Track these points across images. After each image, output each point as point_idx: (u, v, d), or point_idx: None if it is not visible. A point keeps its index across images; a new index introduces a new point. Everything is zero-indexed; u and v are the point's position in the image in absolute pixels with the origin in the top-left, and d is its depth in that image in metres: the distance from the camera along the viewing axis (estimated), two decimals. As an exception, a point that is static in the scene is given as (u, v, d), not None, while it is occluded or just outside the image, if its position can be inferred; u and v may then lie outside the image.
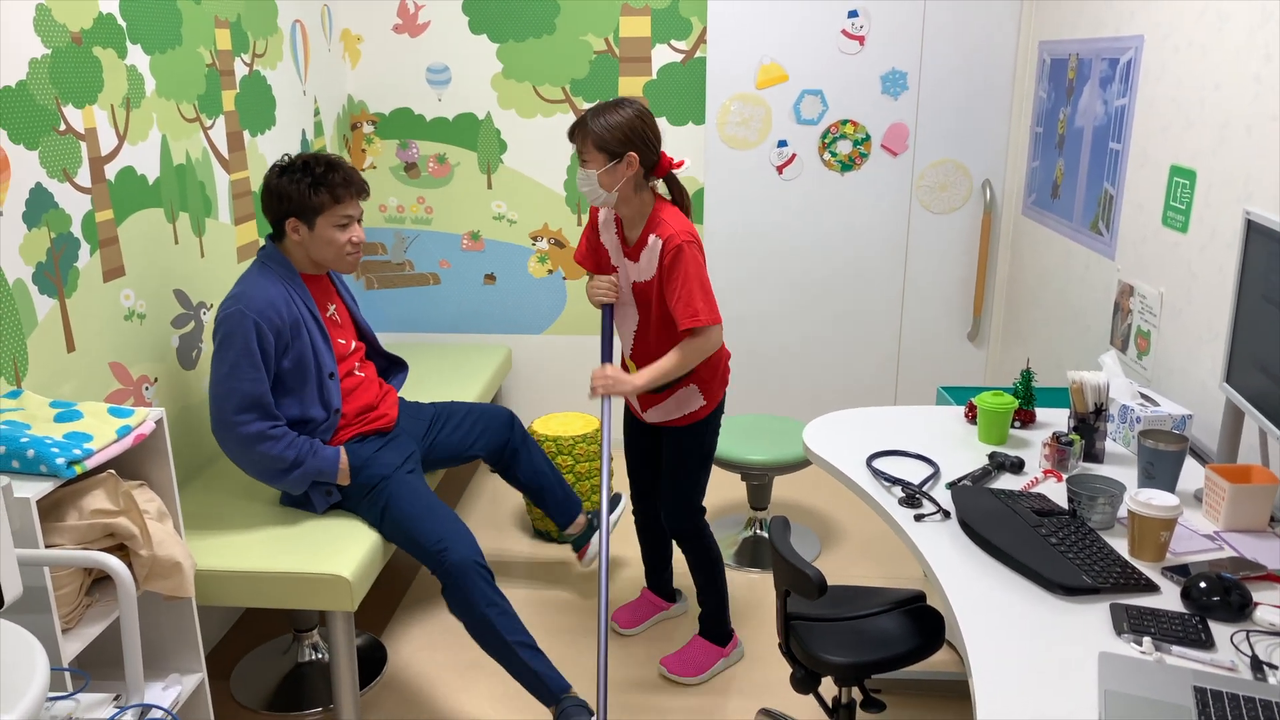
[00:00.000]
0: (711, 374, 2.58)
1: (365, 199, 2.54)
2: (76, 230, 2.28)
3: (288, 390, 2.46)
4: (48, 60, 2.17)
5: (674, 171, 2.53)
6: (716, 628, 2.81)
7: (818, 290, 4.09)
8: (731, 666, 2.83)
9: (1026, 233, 3.76)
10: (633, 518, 3.00)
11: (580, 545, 3.01)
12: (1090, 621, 1.62)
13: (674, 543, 2.97)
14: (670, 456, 2.67)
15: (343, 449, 2.52)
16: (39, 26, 2.14)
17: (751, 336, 4.15)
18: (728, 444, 3.34)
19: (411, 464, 2.62)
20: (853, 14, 3.77)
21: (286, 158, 2.49)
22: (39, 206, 2.15)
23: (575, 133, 2.43)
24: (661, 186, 2.54)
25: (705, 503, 3.84)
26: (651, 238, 2.44)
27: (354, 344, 2.66)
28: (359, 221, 2.53)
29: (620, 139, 2.38)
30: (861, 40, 3.79)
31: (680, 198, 2.55)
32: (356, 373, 2.64)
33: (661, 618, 3.06)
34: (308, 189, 2.42)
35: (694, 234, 2.44)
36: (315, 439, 2.47)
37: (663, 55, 3.92)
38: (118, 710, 1.63)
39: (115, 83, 2.42)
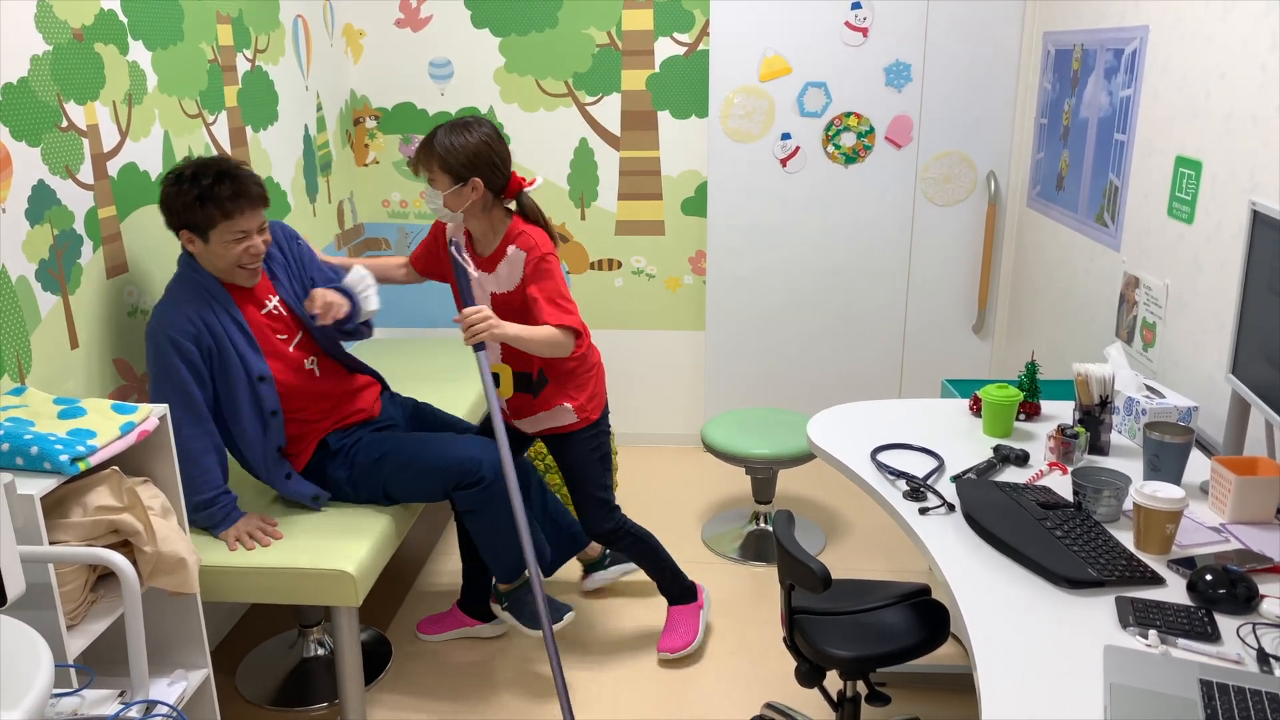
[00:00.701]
0: (586, 395, 2.60)
1: (265, 208, 2.37)
2: (79, 227, 2.28)
3: (225, 414, 2.41)
4: (49, 57, 2.17)
5: (526, 190, 2.49)
6: (679, 588, 2.87)
7: (822, 283, 4.08)
8: (710, 619, 2.93)
9: (1031, 225, 3.75)
10: (457, 531, 2.95)
11: (592, 569, 3.12)
12: (1096, 614, 1.61)
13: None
14: (572, 464, 2.67)
15: (245, 517, 2.42)
16: (40, 23, 2.14)
17: (755, 330, 4.15)
18: (732, 438, 3.34)
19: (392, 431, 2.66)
20: (856, 6, 3.75)
21: (187, 160, 2.35)
22: (41, 203, 2.15)
23: (420, 152, 2.39)
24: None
25: (711, 496, 3.86)
26: (511, 249, 2.43)
27: (298, 336, 2.52)
28: (259, 232, 2.36)
29: (465, 163, 2.34)
30: (865, 32, 3.78)
31: (535, 216, 2.51)
32: (309, 367, 2.52)
33: (466, 634, 2.96)
34: (194, 202, 2.27)
35: (554, 248, 2.46)
36: (229, 508, 2.40)
37: (665, 48, 3.91)
38: (123, 706, 1.63)
39: (117, 79, 2.42)
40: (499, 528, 2.57)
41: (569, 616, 2.66)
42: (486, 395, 2.48)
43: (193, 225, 2.30)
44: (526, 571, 2.64)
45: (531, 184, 2.49)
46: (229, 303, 2.39)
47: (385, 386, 2.80)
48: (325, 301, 2.42)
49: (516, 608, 2.67)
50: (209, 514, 2.37)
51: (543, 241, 2.44)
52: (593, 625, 3.01)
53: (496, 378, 2.56)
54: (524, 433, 2.73)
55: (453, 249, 2.46)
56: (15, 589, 1.31)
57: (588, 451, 2.65)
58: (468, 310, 2.30)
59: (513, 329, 2.35)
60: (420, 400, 2.90)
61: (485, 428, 2.86)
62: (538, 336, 2.38)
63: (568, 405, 2.57)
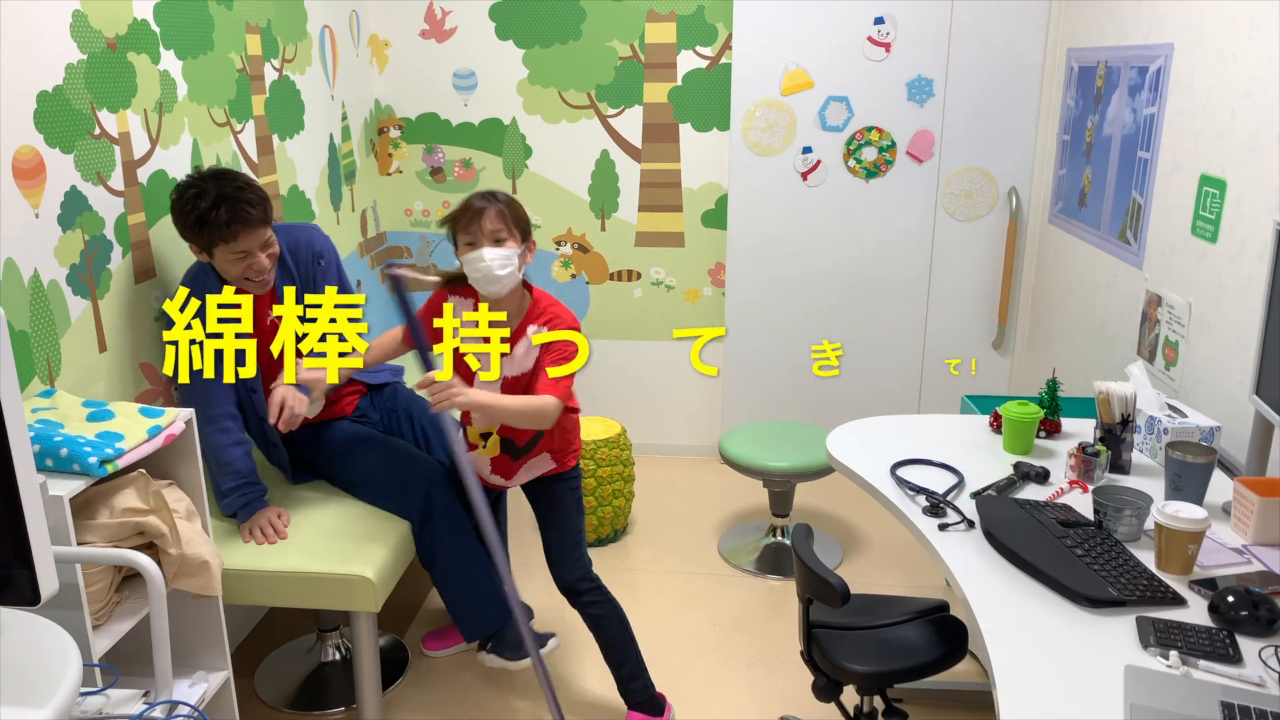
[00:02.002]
0: (566, 445, 2.44)
1: (266, 226, 2.33)
2: (109, 233, 2.31)
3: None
4: (83, 65, 2.20)
5: None
6: (647, 695, 2.54)
7: (841, 297, 4.08)
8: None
9: (1053, 241, 3.74)
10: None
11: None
12: (1116, 634, 1.61)
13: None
14: (551, 507, 2.47)
15: (263, 510, 2.45)
16: (75, 32, 2.17)
17: (774, 343, 4.15)
18: (750, 450, 3.34)
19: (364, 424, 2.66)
20: (879, 20, 3.76)
21: (196, 171, 2.37)
22: (73, 209, 2.18)
23: (487, 209, 2.17)
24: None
25: (728, 508, 3.87)
26: (533, 329, 2.25)
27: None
28: (263, 248, 2.34)
29: (526, 223, 2.26)
30: (888, 47, 3.78)
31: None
32: None
33: (467, 649, 2.91)
34: (194, 224, 2.27)
35: (578, 323, 2.30)
36: (251, 498, 2.45)
37: (688, 61, 3.93)
38: (146, 706, 1.65)
39: (148, 87, 2.45)
40: (457, 568, 2.45)
41: (552, 643, 2.48)
42: (455, 457, 2.27)
43: (196, 243, 2.35)
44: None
45: None
46: None
47: (369, 389, 2.82)
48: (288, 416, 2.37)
49: (498, 643, 2.54)
50: (229, 502, 2.43)
51: (569, 319, 2.28)
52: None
53: (485, 436, 2.40)
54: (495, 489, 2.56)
55: (391, 281, 2.16)
56: (49, 588, 1.33)
57: (568, 494, 2.46)
58: (431, 375, 2.10)
59: (483, 398, 2.16)
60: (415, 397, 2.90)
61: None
62: (516, 407, 2.19)
63: (546, 454, 2.41)
